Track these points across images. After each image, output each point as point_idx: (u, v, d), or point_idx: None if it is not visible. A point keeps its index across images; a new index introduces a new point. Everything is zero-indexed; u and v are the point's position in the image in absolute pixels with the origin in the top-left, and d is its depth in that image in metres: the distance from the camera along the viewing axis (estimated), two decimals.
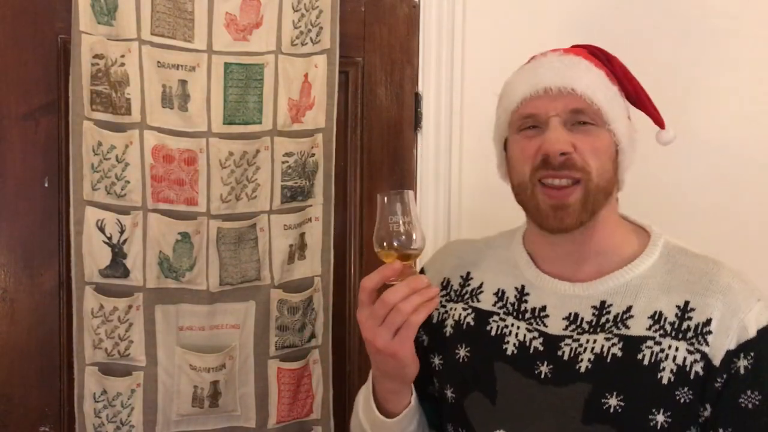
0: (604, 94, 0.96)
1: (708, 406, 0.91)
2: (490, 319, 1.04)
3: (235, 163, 1.34)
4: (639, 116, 1.05)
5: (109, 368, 1.32)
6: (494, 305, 1.05)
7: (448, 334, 1.07)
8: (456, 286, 1.10)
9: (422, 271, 1.15)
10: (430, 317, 1.07)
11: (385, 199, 0.96)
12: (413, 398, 1.02)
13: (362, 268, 1.48)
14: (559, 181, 0.93)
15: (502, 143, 1.05)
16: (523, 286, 1.03)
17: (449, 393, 1.04)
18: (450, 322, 1.07)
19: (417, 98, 1.50)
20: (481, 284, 1.08)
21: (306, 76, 1.38)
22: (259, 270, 1.38)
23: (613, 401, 0.92)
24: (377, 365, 0.99)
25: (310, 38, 1.38)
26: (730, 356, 0.91)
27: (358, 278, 1.38)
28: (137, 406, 1.33)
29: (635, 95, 1.03)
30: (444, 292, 1.10)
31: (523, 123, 0.97)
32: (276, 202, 1.38)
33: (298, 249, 1.41)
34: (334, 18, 1.39)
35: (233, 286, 1.37)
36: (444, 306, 1.09)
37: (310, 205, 1.41)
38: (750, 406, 0.91)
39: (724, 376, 0.91)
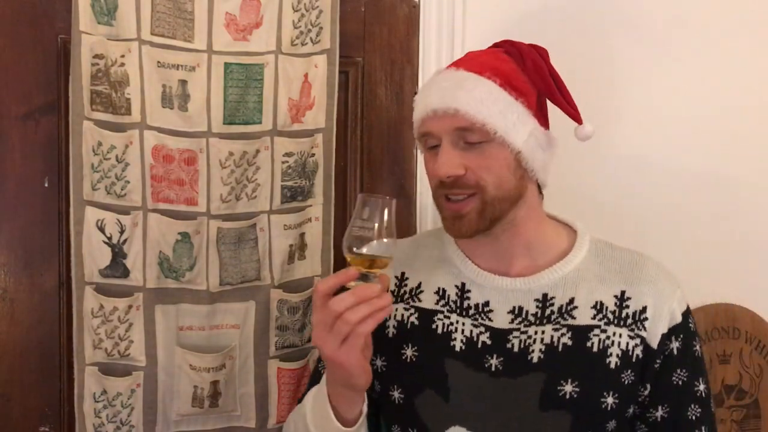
0: (492, 108, 0.97)
1: (648, 386, 1.02)
2: (435, 318, 1.06)
3: (235, 163, 1.34)
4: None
5: (109, 368, 1.32)
6: (437, 303, 1.07)
7: (390, 334, 1.07)
8: (392, 287, 1.10)
9: None
10: None
11: (359, 201, 0.94)
12: (365, 405, 1.01)
13: None
14: (455, 196, 0.99)
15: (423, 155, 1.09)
16: (463, 284, 1.06)
17: (396, 394, 1.05)
18: (392, 323, 1.08)
19: None
20: (420, 284, 1.09)
21: (306, 76, 1.38)
22: (259, 270, 1.38)
23: (568, 387, 0.98)
24: (328, 371, 0.99)
25: (310, 38, 1.38)
26: (664, 339, 1.01)
27: None
28: (137, 406, 1.33)
29: (547, 91, 1.04)
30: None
31: (425, 142, 1.03)
32: (276, 202, 1.38)
33: (298, 249, 1.41)
34: (334, 18, 1.39)
35: (233, 286, 1.37)
36: None
37: (310, 205, 1.41)
38: (680, 383, 1.02)
39: (661, 357, 1.01)
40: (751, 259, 1.63)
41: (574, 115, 1.06)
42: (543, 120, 1.04)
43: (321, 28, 1.38)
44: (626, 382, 1.00)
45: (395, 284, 1.11)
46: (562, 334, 1.00)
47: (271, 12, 1.35)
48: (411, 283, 1.10)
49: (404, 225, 1.51)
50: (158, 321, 1.34)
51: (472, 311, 1.04)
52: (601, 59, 1.53)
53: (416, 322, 1.07)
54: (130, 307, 1.32)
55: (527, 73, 1.03)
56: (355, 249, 0.92)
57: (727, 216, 1.61)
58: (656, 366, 1.01)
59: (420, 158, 1.52)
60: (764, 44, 1.61)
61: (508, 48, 1.06)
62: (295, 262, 1.41)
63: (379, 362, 1.08)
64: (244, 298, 1.38)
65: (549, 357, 0.99)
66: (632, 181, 1.57)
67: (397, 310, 1.09)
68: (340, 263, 1.46)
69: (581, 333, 1.00)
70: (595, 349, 0.99)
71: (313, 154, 1.40)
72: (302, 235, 1.41)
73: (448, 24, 1.49)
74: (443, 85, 1.01)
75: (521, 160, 1.00)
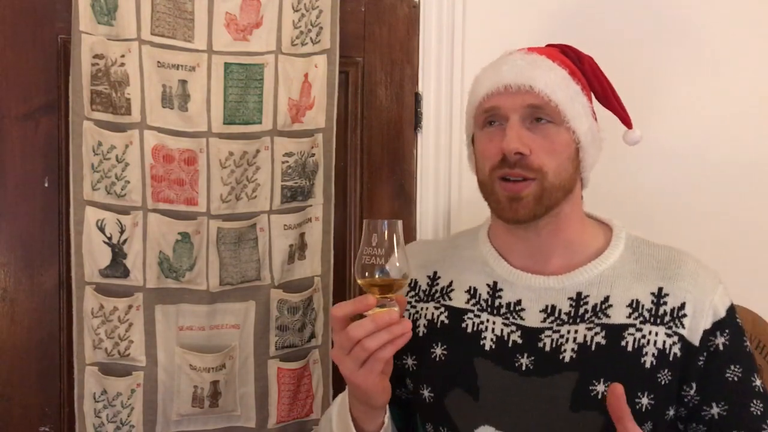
0: (564, 93, 0.98)
1: (694, 385, 0.97)
2: (465, 317, 1.05)
3: (235, 163, 1.34)
4: (610, 118, 1.08)
5: (109, 368, 1.32)
6: (467, 302, 1.06)
7: (421, 333, 1.07)
8: (424, 286, 1.10)
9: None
10: None
11: (365, 227, 0.93)
12: (386, 418, 1.01)
13: None
14: (515, 177, 0.97)
15: (470, 138, 1.08)
16: (495, 283, 1.05)
17: (426, 393, 1.04)
18: (422, 321, 1.08)
19: (417, 98, 1.50)
20: (451, 283, 1.08)
21: (306, 76, 1.38)
22: (259, 270, 1.38)
23: (600, 387, 0.95)
24: (348, 387, 0.99)
25: (310, 38, 1.38)
26: (707, 335, 0.97)
27: None
28: (137, 406, 1.33)
29: (602, 94, 1.06)
30: (412, 293, 1.10)
31: (486, 118, 1.01)
32: (276, 202, 1.38)
33: (298, 249, 1.41)
34: (334, 18, 1.39)
35: (233, 286, 1.37)
36: (414, 306, 1.09)
37: (310, 205, 1.41)
38: (735, 378, 0.98)
39: (705, 354, 0.97)
40: (751, 259, 1.63)
41: (625, 118, 1.07)
42: (595, 120, 1.05)
43: (321, 28, 1.38)
44: (663, 383, 0.96)
45: (427, 284, 1.10)
46: (596, 333, 0.98)
47: (271, 12, 1.35)
48: (442, 282, 1.09)
49: (404, 225, 1.51)
50: (158, 321, 1.34)
51: (503, 310, 1.03)
52: (601, 59, 1.53)
53: (446, 321, 1.06)
54: (130, 307, 1.32)
55: (585, 73, 1.04)
56: (368, 275, 0.91)
57: (727, 216, 1.61)
58: (700, 363, 0.97)
59: (420, 158, 1.52)
60: None
61: (564, 49, 1.06)
62: (295, 262, 1.41)
63: (410, 361, 1.08)
64: (244, 298, 1.38)
65: (581, 356, 0.97)
66: (637, 177, 1.57)
67: (427, 309, 1.08)
68: (340, 263, 1.47)
69: (615, 332, 0.98)
70: (629, 348, 0.97)
71: (313, 154, 1.40)
72: (302, 235, 1.41)
73: (448, 24, 1.49)
74: (518, 63, 1.00)
75: (579, 151, 1.00)
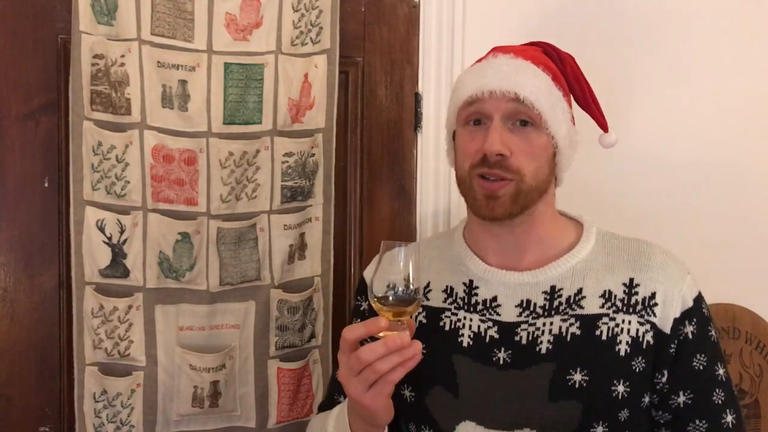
0: (547, 99, 1.01)
1: (665, 372, 1.00)
2: (442, 315, 1.07)
3: (235, 163, 1.34)
4: (586, 119, 1.11)
5: (109, 368, 1.32)
6: (444, 302, 1.08)
7: None
8: None
9: (363, 281, 1.16)
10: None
11: (383, 248, 0.94)
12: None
13: (362, 267, 1.47)
14: (493, 176, 1.00)
15: (451, 133, 1.10)
16: (471, 281, 1.07)
17: (407, 392, 1.06)
18: None
19: (417, 98, 1.50)
20: (429, 284, 1.10)
21: (306, 76, 1.38)
22: (259, 270, 1.38)
23: (577, 377, 0.98)
24: (350, 405, 0.99)
25: (310, 38, 1.38)
26: (677, 324, 1.01)
27: (358, 278, 1.38)
28: (137, 406, 1.33)
29: (582, 97, 1.08)
30: (392, 293, 1.11)
31: (469, 116, 1.03)
32: (276, 202, 1.38)
33: (298, 249, 1.41)
34: (334, 18, 1.39)
35: (233, 286, 1.37)
36: None
37: (310, 205, 1.41)
38: (700, 367, 1.01)
39: (675, 341, 1.01)
40: (751, 259, 1.63)
41: (602, 122, 1.10)
42: (573, 123, 1.08)
43: (321, 28, 1.38)
44: (637, 370, 0.99)
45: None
46: (571, 324, 1.00)
47: (271, 12, 1.35)
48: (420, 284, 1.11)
49: (404, 225, 1.51)
50: (158, 321, 1.34)
51: (479, 307, 1.05)
52: (600, 58, 1.53)
53: (424, 321, 1.08)
54: (130, 307, 1.32)
55: (566, 76, 1.07)
56: (380, 296, 0.92)
57: (727, 216, 1.61)
58: (671, 351, 1.01)
59: (420, 158, 1.52)
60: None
61: (546, 49, 1.08)
62: (295, 262, 1.41)
63: None
64: (244, 298, 1.38)
65: (557, 347, 1.00)
66: (633, 180, 1.57)
67: None
68: (340, 263, 1.47)
69: (589, 322, 1.00)
70: (603, 337, 0.99)
71: (313, 154, 1.40)
72: (302, 235, 1.41)
73: (448, 24, 1.49)
74: (503, 68, 1.02)
75: (556, 154, 1.03)
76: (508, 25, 1.50)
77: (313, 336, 1.43)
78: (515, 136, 1.00)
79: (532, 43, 1.11)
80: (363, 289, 1.15)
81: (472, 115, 1.03)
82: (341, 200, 1.47)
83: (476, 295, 1.06)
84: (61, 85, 1.31)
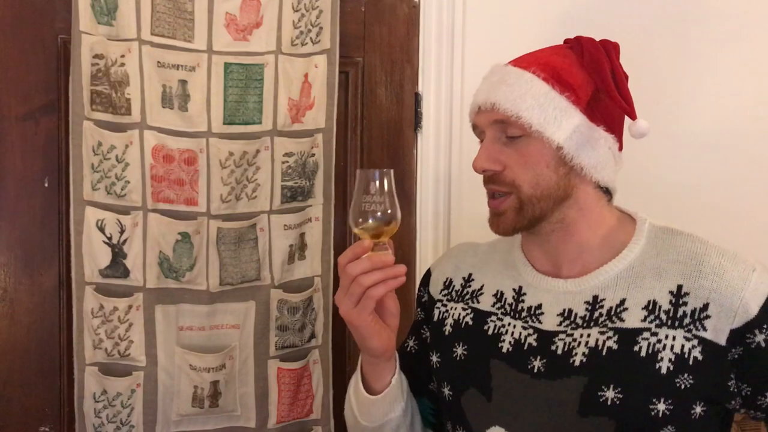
0: (528, 102, 0.97)
1: (732, 376, 0.93)
2: (488, 319, 1.06)
3: (235, 163, 1.34)
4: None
5: (109, 368, 1.32)
6: (493, 306, 1.07)
7: (447, 332, 1.09)
8: (458, 287, 1.13)
9: (428, 272, 1.19)
10: (431, 315, 1.13)
11: (359, 177, 0.98)
12: (394, 379, 1.05)
13: None
14: (496, 193, 1.01)
15: None
16: (520, 287, 1.06)
17: (446, 390, 1.06)
18: (450, 321, 1.10)
19: (417, 98, 1.50)
20: (482, 286, 1.11)
21: (306, 76, 1.38)
22: (259, 270, 1.38)
23: (610, 393, 0.93)
24: (353, 334, 1.04)
25: (310, 38, 1.38)
26: (740, 333, 0.92)
27: None
28: (137, 406, 1.33)
29: (602, 86, 1.00)
30: (446, 292, 1.13)
31: (475, 131, 1.05)
32: (276, 202, 1.38)
33: (298, 249, 1.41)
34: (334, 18, 1.39)
35: (233, 286, 1.37)
36: (445, 305, 1.12)
37: (310, 205, 1.41)
38: None
39: (741, 349, 0.92)
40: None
41: (627, 110, 1.01)
42: (596, 116, 1.01)
43: (321, 28, 1.38)
44: (682, 387, 0.92)
45: (460, 285, 1.13)
46: (608, 338, 0.95)
47: (271, 12, 1.35)
48: (474, 285, 1.12)
49: (404, 225, 1.51)
50: (158, 321, 1.34)
51: (524, 313, 1.04)
52: None
53: (470, 323, 1.08)
54: (130, 307, 1.32)
55: (584, 67, 1.01)
56: (361, 221, 0.97)
57: (727, 216, 1.60)
58: (735, 357, 0.93)
59: (420, 158, 1.52)
60: None
61: (572, 43, 1.04)
62: (295, 262, 1.41)
63: (434, 358, 1.10)
64: (244, 298, 1.38)
65: (591, 361, 0.95)
66: (633, 179, 1.57)
67: (456, 309, 1.11)
68: None
69: (629, 336, 0.95)
70: (643, 353, 0.93)
71: (313, 154, 1.40)
72: (302, 235, 1.41)
73: (448, 24, 1.49)
74: (491, 80, 1.02)
75: (564, 157, 0.97)
76: (508, 25, 1.50)
77: (313, 336, 1.43)
78: (508, 149, 0.99)
79: (566, 41, 1.06)
80: (426, 281, 1.18)
81: (475, 130, 1.05)
82: (341, 200, 1.47)
83: (523, 301, 1.05)
84: (61, 85, 1.31)
